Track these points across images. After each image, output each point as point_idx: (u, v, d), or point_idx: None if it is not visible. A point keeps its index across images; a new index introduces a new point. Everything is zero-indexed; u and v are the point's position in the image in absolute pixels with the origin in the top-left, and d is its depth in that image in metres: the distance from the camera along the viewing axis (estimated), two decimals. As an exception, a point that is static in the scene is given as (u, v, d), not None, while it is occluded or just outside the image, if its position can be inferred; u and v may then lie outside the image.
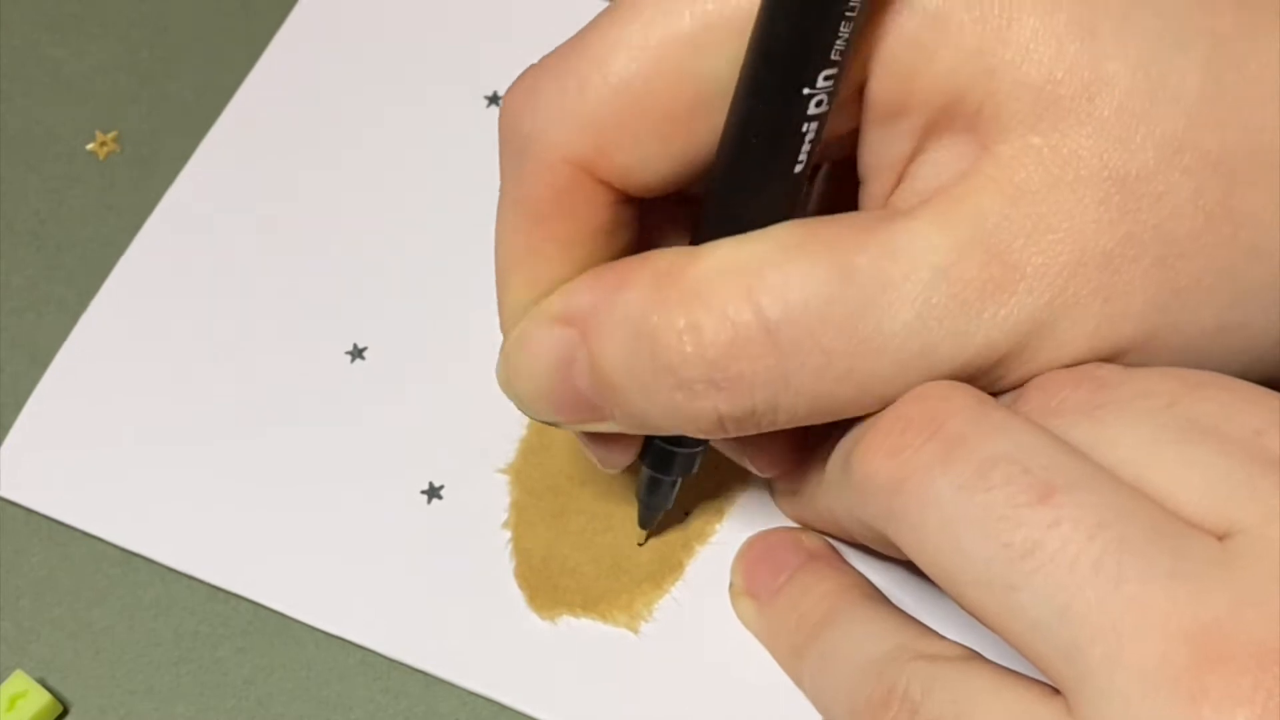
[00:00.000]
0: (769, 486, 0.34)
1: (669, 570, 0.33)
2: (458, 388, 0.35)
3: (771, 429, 0.27)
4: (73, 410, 0.36)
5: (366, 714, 0.33)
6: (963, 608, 0.25)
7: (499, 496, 0.34)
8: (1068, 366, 0.27)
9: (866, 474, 0.26)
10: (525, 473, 0.34)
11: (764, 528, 0.33)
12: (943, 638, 0.28)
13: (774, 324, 0.26)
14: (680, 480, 0.32)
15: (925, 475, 0.25)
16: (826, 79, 0.25)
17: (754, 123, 0.26)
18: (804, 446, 0.31)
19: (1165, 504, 0.24)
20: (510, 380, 0.29)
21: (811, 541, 0.32)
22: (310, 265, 0.37)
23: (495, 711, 0.32)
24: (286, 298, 0.37)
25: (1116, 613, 0.22)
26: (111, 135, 0.40)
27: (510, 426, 0.35)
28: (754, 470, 0.32)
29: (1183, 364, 0.27)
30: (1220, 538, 0.23)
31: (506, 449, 0.35)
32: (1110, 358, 0.27)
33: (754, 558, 0.32)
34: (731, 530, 0.33)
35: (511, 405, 0.35)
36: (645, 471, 0.32)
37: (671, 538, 0.34)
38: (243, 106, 0.40)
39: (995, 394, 0.27)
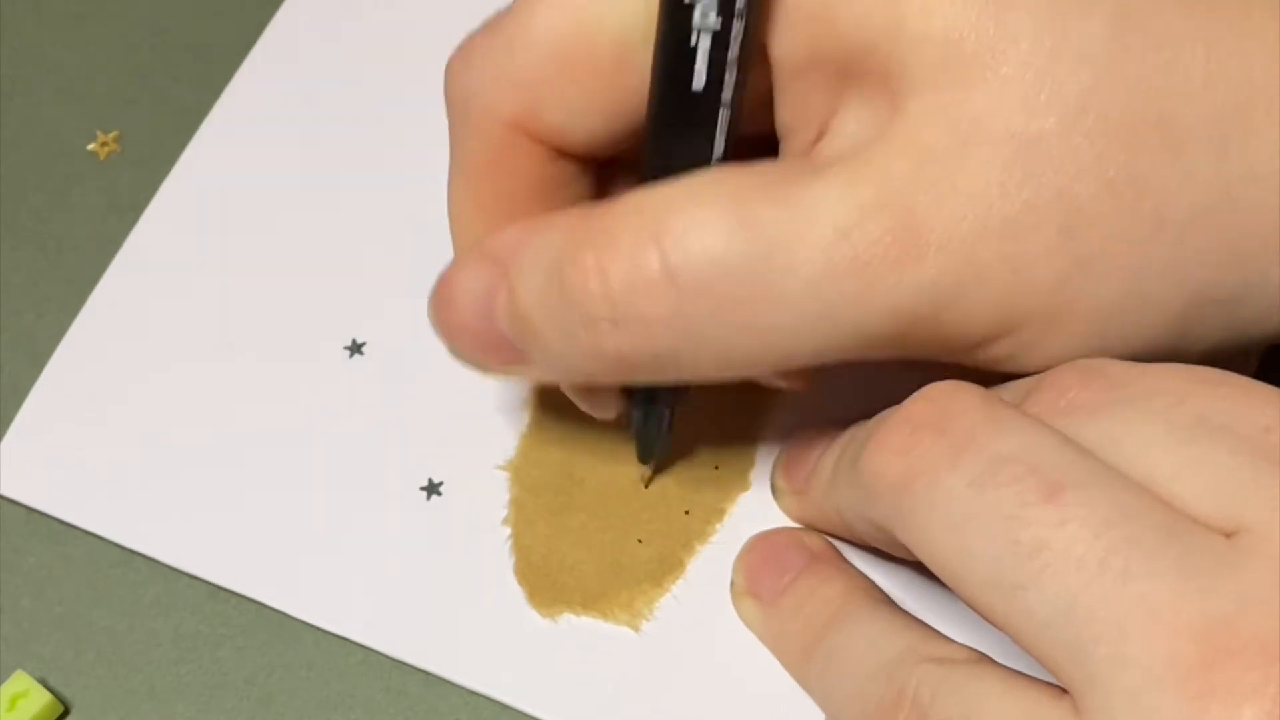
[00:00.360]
0: (771, 486, 0.34)
1: (670, 569, 0.33)
2: (457, 384, 0.35)
3: (681, 378, 0.28)
4: (71, 408, 0.36)
5: (367, 713, 0.33)
6: (970, 607, 0.25)
7: (499, 493, 0.34)
8: (1078, 364, 0.27)
9: (875, 473, 0.26)
10: (525, 469, 0.34)
11: (766, 527, 0.33)
12: (950, 640, 0.28)
13: (674, 268, 0.26)
14: (673, 410, 0.32)
15: (933, 474, 0.25)
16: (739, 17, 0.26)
17: (654, 46, 0.26)
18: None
19: (1173, 502, 0.24)
20: (437, 317, 0.30)
21: (814, 542, 0.32)
22: (308, 261, 0.37)
23: (496, 710, 0.32)
24: (284, 294, 0.37)
25: (1123, 610, 0.22)
26: (112, 135, 0.40)
27: (510, 423, 0.35)
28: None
29: (1087, 340, 0.27)
30: (1228, 535, 0.23)
31: (506, 445, 0.35)
32: (1015, 329, 0.27)
33: (756, 558, 0.32)
34: (733, 529, 0.33)
35: (511, 401, 0.35)
36: (635, 405, 0.32)
37: (673, 536, 0.34)
38: (234, 102, 0.40)
39: (910, 366, 0.27)
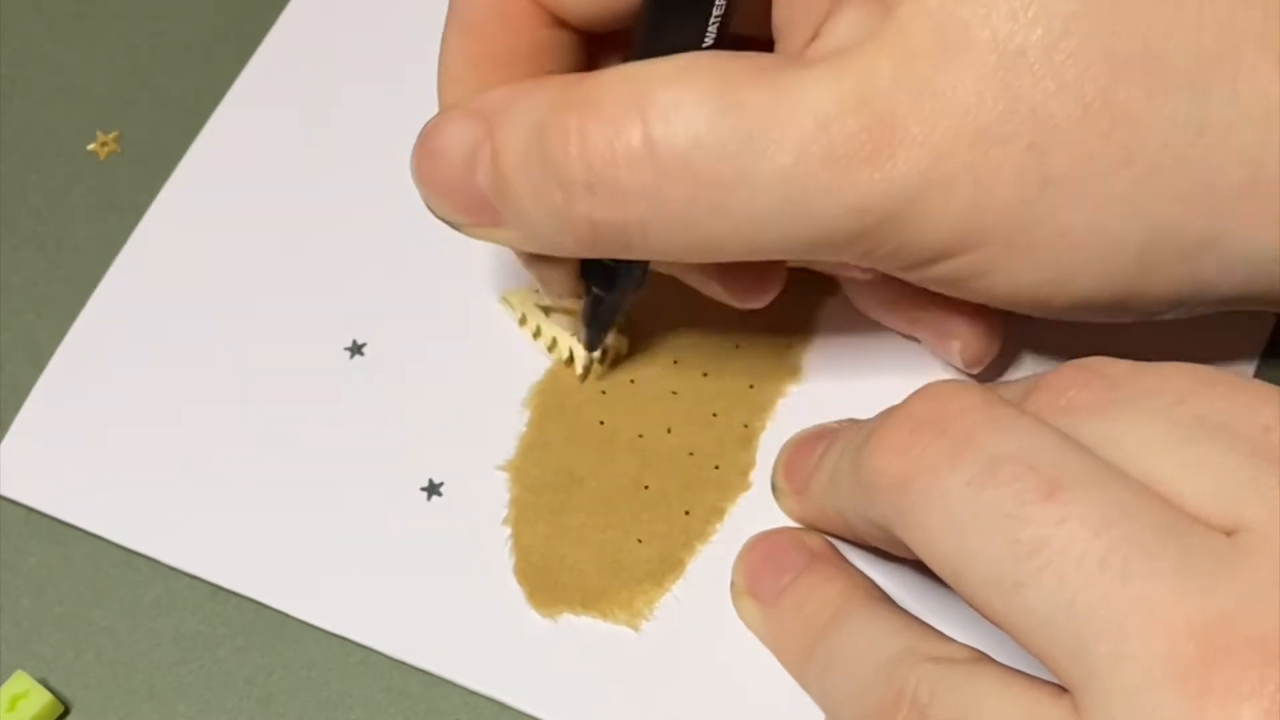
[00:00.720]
0: (772, 486, 0.34)
1: (670, 568, 0.33)
2: (457, 384, 0.35)
3: (648, 255, 0.28)
4: (71, 408, 0.36)
5: (367, 713, 0.33)
6: (971, 606, 0.25)
7: (499, 493, 0.34)
8: (1078, 363, 0.27)
9: (874, 471, 0.26)
10: (525, 469, 0.34)
11: (765, 527, 0.33)
12: (950, 639, 0.28)
13: (655, 141, 0.27)
14: (624, 300, 0.32)
15: (933, 473, 0.25)
16: None
17: None
18: (776, 278, 0.32)
19: (1173, 501, 0.24)
20: (419, 168, 0.30)
21: (814, 542, 0.32)
22: (309, 261, 0.37)
23: (496, 710, 0.32)
24: (285, 294, 0.37)
25: (1123, 609, 0.22)
26: (112, 135, 0.40)
27: (510, 423, 0.35)
28: (730, 300, 0.32)
29: (1043, 270, 0.27)
30: (1228, 534, 0.23)
31: (506, 445, 0.35)
32: (973, 247, 0.27)
33: (756, 557, 0.32)
34: (732, 528, 0.33)
35: (511, 401, 0.35)
36: (589, 288, 0.32)
37: (673, 536, 0.34)
38: (237, 103, 0.40)
39: (865, 269, 0.28)
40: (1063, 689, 0.24)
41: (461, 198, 0.29)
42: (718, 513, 0.34)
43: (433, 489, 0.34)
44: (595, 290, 0.32)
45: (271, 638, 0.33)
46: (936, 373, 0.33)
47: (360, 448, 0.35)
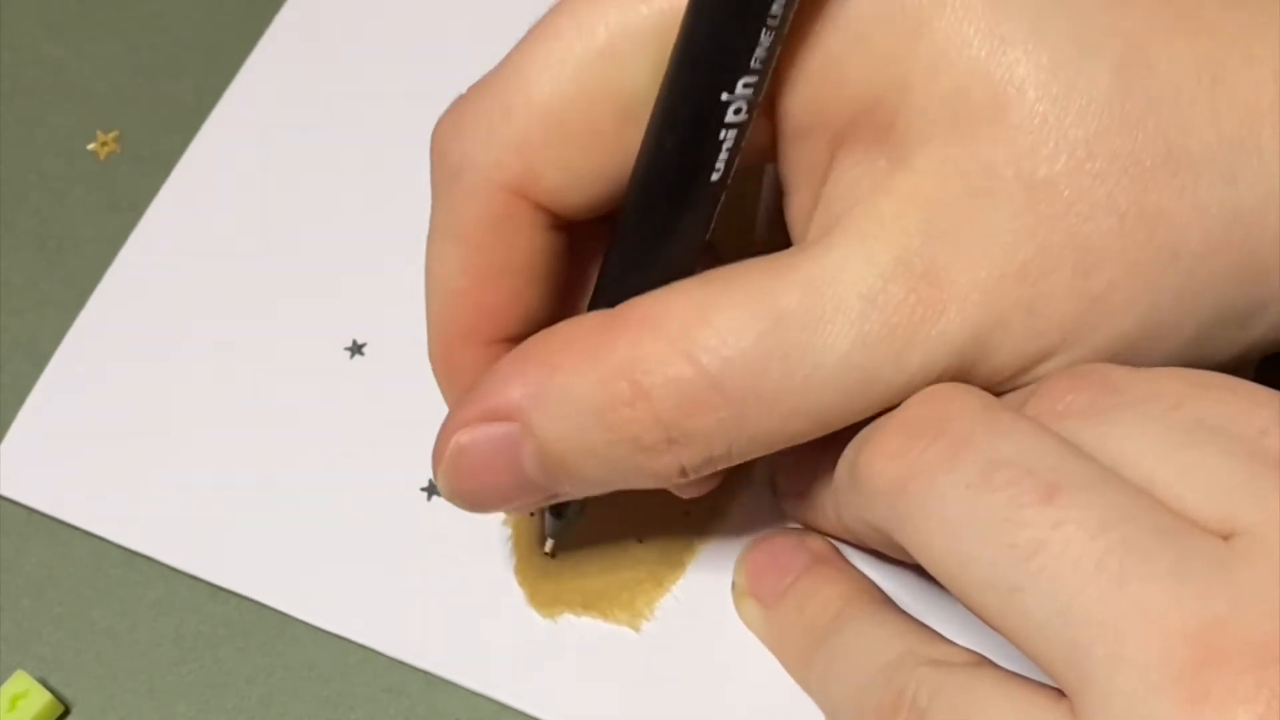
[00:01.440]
0: (772, 488, 0.34)
1: (671, 568, 0.33)
2: None
3: (730, 464, 0.28)
4: (72, 408, 0.36)
5: (368, 713, 0.33)
6: (968, 610, 0.25)
7: None
8: (1075, 369, 0.27)
9: (871, 476, 0.26)
10: None
11: (767, 527, 0.33)
12: (950, 643, 0.28)
13: (717, 379, 0.26)
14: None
15: (930, 477, 0.25)
16: (746, 86, 0.25)
17: (672, 127, 0.26)
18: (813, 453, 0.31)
19: (1170, 505, 0.24)
20: (456, 489, 0.29)
21: (816, 544, 0.32)
22: (308, 261, 0.37)
23: (497, 710, 0.32)
24: (285, 294, 0.37)
25: (1119, 612, 0.22)
26: (112, 135, 0.40)
27: None
28: (781, 489, 0.33)
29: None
30: (1225, 538, 0.23)
31: None
32: (1034, 366, 0.27)
33: (758, 559, 0.32)
34: (734, 529, 0.33)
35: None
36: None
37: (673, 536, 0.34)
38: (235, 102, 0.40)
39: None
40: (1061, 692, 0.24)
41: (506, 492, 0.29)
42: (718, 513, 0.34)
43: (433, 489, 0.34)
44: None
45: (271, 638, 0.33)
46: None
47: (360, 447, 0.35)
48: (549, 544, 0.33)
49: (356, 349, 0.36)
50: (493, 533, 0.34)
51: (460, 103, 0.28)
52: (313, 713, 0.33)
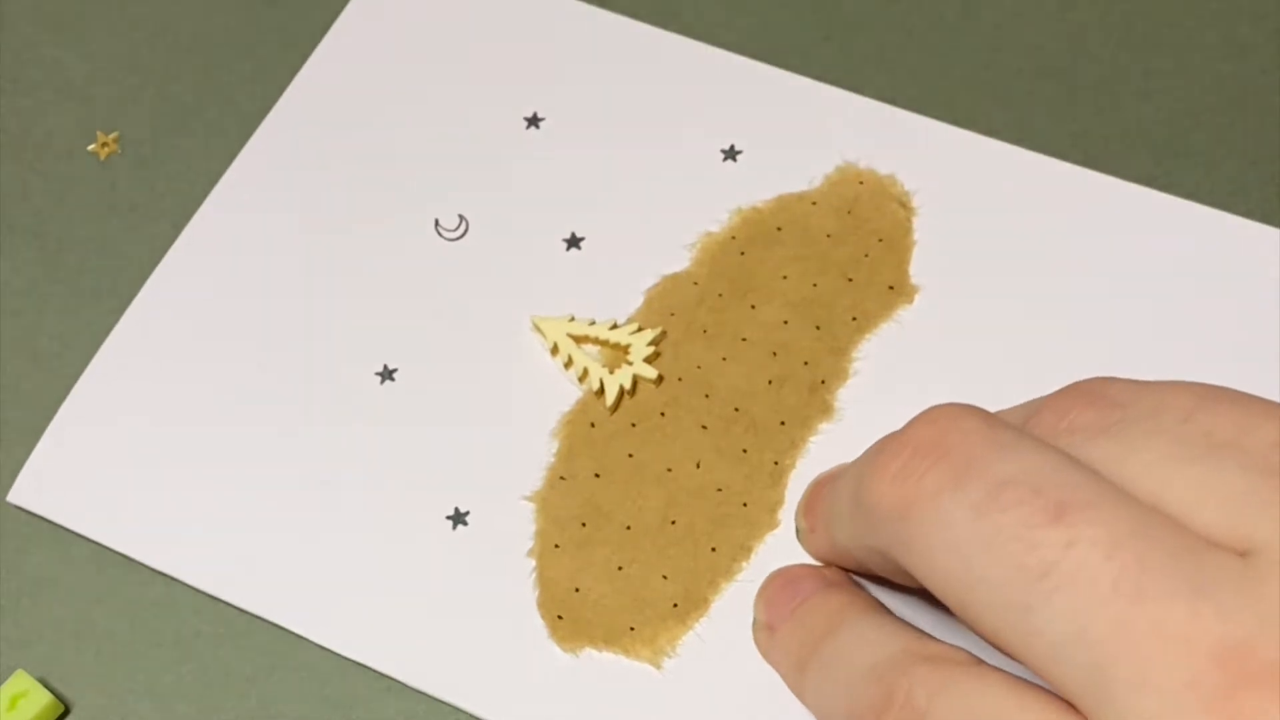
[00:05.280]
0: (795, 525, 0.33)
1: (694, 606, 0.33)
2: (487, 412, 0.35)
3: None
4: (100, 428, 0.36)
5: (368, 714, 0.33)
6: (977, 633, 0.24)
7: (524, 524, 0.34)
8: (1079, 384, 0.26)
9: (874, 500, 0.25)
10: (552, 501, 0.34)
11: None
12: (947, 644, 0.27)
13: None
14: None
15: (935, 498, 0.24)
16: None
17: None
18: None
19: (1182, 521, 0.23)
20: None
21: (832, 574, 0.31)
22: (342, 285, 0.37)
23: None
24: (318, 317, 0.37)
25: (1139, 633, 0.22)
26: (112, 136, 0.40)
27: (538, 454, 0.34)
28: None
29: None
30: (1241, 555, 0.23)
31: (534, 476, 0.34)
32: None
33: (773, 589, 0.32)
34: (759, 567, 0.33)
35: (540, 431, 0.35)
36: None
37: (698, 573, 0.33)
38: (275, 124, 0.39)
39: None
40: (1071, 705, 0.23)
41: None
42: (745, 550, 0.33)
43: (458, 518, 0.34)
44: None
45: (272, 638, 0.34)
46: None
47: (388, 474, 0.35)
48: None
49: (388, 374, 0.36)
50: (518, 564, 0.33)
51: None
52: (313, 713, 0.33)
